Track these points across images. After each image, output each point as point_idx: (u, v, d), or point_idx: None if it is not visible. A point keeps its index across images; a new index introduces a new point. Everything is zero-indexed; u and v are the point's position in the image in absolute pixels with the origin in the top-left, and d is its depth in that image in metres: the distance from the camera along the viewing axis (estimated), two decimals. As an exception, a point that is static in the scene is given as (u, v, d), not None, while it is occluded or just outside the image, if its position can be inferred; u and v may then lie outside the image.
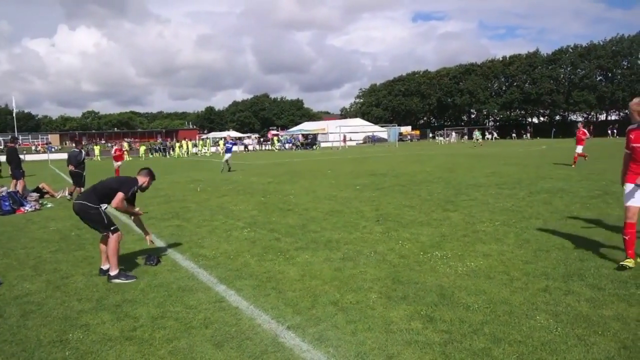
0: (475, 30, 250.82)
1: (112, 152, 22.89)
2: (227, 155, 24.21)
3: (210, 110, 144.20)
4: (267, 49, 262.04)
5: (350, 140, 71.06)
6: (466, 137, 79.49)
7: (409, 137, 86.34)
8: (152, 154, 56.91)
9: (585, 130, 20.99)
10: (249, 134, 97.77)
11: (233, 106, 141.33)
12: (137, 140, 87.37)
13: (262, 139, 78.09)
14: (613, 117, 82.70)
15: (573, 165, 19.40)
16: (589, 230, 7.52)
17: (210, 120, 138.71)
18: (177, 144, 58.40)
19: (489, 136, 75.95)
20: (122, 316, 4.55)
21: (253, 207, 11.07)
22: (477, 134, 57.38)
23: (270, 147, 66.38)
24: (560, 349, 3.61)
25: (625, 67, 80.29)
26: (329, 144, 70.87)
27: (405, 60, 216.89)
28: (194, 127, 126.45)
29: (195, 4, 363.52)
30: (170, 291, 5.22)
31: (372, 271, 5.72)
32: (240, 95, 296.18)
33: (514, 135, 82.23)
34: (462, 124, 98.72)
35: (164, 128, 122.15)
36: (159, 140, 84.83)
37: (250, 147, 66.24)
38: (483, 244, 6.87)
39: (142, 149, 53.99)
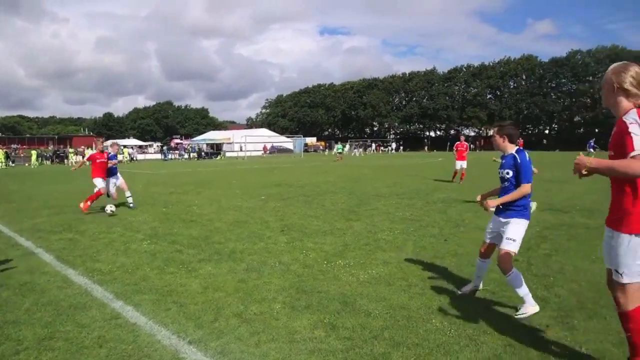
0: (379, 47, 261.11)
1: (86, 157, 12.61)
2: (118, 183, 12.53)
3: (109, 116, 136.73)
4: (172, 55, 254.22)
5: (266, 151, 69.62)
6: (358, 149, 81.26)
7: (321, 147, 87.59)
8: (43, 161, 52.86)
9: (466, 144, 19.08)
10: (150, 142, 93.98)
11: (134, 113, 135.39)
12: (24, 146, 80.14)
13: (164, 148, 75.13)
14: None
15: (460, 182, 17.98)
16: (480, 237, 8.04)
17: (108, 127, 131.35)
18: (72, 151, 54.78)
19: (356, 151, 74.27)
20: (2, 339, 4.15)
21: (154, 219, 10.64)
22: (338, 147, 54.87)
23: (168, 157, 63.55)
24: (453, 349, 3.82)
25: (512, 87, 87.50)
26: (234, 154, 70.04)
27: (313, 72, 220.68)
28: (91, 133, 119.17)
29: (96, 4, 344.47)
30: (60, 309, 4.86)
31: (276, 281, 5.71)
32: (143, 101, 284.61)
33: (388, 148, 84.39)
34: (365, 136, 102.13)
35: (56, 134, 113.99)
36: (50, 147, 78.35)
37: (134, 157, 61.06)
38: (383, 252, 7.12)
39: (34, 155, 49.84)
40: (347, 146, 71.71)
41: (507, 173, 4.69)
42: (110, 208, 11.18)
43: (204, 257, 6.98)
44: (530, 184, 4.59)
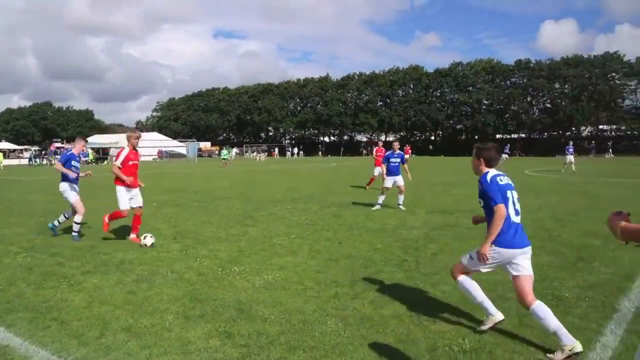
0: (274, 52, 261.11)
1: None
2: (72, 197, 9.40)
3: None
4: (52, 52, 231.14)
5: (161, 155, 65.18)
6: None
7: (216, 152, 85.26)
8: None
9: (383, 149, 17.92)
10: (26, 147, 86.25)
11: (7, 114, 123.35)
12: None
13: (42, 152, 69.07)
14: (390, 138, 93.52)
15: (367, 188, 17.66)
16: (372, 239, 8.37)
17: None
18: None
19: (258, 155, 75.05)
20: None
21: (31, 230, 9.78)
22: (224, 152, 52.33)
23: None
24: (348, 350, 3.92)
25: (400, 95, 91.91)
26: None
27: (207, 75, 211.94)
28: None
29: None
30: None
31: (168, 291, 5.50)
32: (17, 101, 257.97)
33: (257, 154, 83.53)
34: (261, 141, 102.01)
35: None
36: None
37: None
38: (279, 257, 7.13)
39: None
40: (233, 152, 71.12)
41: (480, 202, 4.18)
42: (149, 240, 8.02)
43: (88, 269, 6.54)
44: (500, 204, 3.94)
